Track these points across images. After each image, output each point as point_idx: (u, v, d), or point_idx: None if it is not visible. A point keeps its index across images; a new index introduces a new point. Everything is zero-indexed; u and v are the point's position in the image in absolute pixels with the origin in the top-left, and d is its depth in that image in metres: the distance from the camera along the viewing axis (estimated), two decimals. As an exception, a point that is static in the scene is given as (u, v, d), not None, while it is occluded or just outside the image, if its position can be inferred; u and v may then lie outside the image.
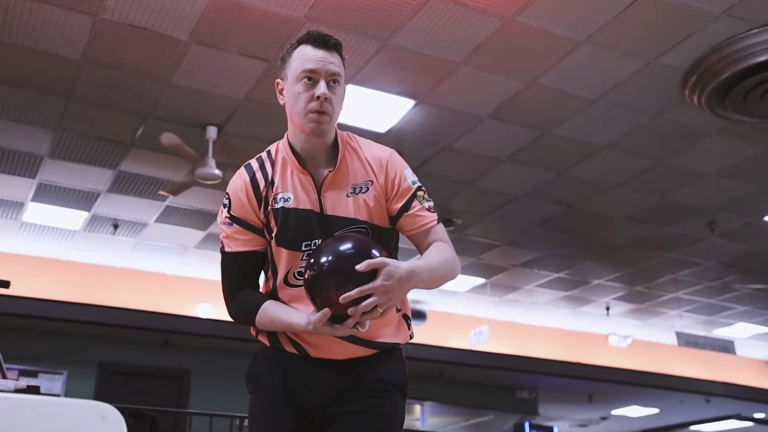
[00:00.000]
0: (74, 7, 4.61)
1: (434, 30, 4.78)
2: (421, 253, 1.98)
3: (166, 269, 9.41)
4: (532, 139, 6.14)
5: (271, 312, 1.93)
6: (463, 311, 10.98)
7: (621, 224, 7.82)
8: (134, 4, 4.59)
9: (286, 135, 2.07)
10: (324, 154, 1.99)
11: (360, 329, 1.76)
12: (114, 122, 5.97)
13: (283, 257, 1.95)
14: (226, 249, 2.05)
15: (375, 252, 1.76)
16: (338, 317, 1.74)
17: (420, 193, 2.01)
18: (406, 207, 1.98)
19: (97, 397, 8.61)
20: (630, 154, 6.35)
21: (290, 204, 1.95)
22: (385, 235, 2.00)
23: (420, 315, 10.51)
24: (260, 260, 2.03)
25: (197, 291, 9.53)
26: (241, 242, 2.01)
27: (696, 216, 7.56)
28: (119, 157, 6.52)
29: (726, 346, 10.18)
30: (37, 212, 7.77)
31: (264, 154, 2.08)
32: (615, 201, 7.24)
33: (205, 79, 5.40)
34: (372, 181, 1.98)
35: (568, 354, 11.15)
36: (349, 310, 1.71)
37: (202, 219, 7.90)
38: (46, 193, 7.30)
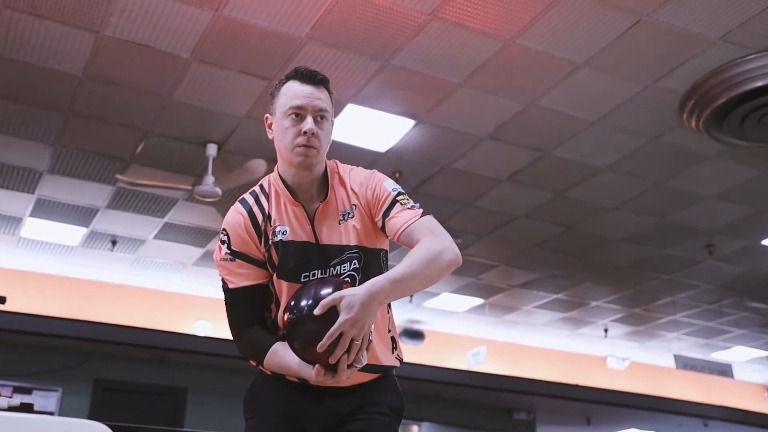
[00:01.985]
0: (77, 23, 4.63)
1: (435, 51, 4.80)
2: None
3: (164, 286, 9.39)
4: (531, 160, 6.16)
5: (281, 357, 1.91)
6: (461, 331, 10.95)
7: (619, 246, 7.83)
8: (136, 22, 4.62)
9: (276, 168, 2.08)
10: (314, 185, 2.02)
11: (358, 365, 1.76)
12: (114, 138, 5.98)
13: (284, 289, 1.96)
14: (230, 286, 2.03)
15: (326, 290, 1.75)
16: (331, 366, 1.74)
17: (401, 197, 2.00)
18: (387, 213, 1.98)
19: (92, 414, 8.56)
20: (628, 176, 6.36)
21: (288, 237, 1.97)
22: (377, 255, 2.02)
23: (418, 335, 10.49)
24: (265, 293, 2.02)
25: (195, 308, 9.51)
26: (244, 276, 2.00)
27: (694, 238, 7.57)
28: (119, 173, 6.53)
29: (724, 370, 10.16)
30: (36, 227, 7.76)
31: (257, 189, 2.09)
32: (613, 222, 7.25)
33: (205, 97, 5.42)
34: (356, 205, 2.01)
35: (566, 375, 11.11)
36: (330, 359, 1.71)
37: (200, 236, 7.90)
38: (45, 209, 7.30)
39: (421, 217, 1.95)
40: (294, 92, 2.02)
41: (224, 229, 2.02)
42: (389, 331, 2.03)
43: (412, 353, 9.75)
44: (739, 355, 11.53)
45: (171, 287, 9.43)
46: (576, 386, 10.66)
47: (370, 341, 1.77)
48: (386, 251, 2.08)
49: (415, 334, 10.54)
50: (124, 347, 8.62)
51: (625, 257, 8.13)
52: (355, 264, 1.99)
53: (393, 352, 2.03)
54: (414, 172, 6.29)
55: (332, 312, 1.69)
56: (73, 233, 7.87)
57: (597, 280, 8.83)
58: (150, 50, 4.88)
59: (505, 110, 5.48)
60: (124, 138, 5.98)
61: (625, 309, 9.84)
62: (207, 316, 9.45)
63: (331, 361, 1.71)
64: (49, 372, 8.63)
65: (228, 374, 9.40)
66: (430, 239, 1.89)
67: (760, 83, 4.83)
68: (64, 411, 8.52)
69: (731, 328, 10.38)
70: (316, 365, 1.75)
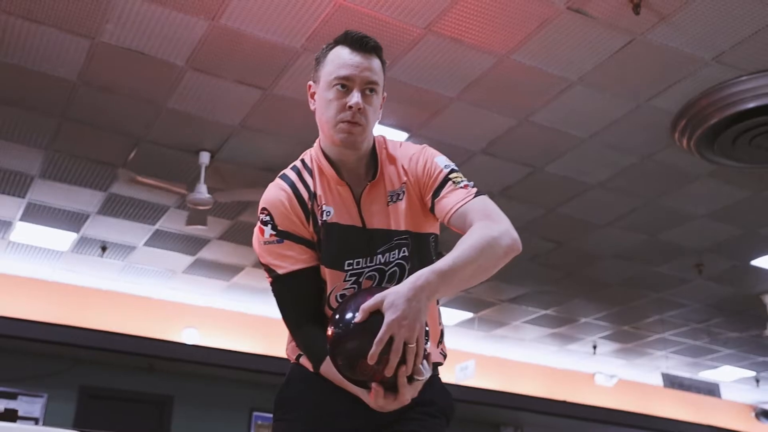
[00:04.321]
0: (72, 29, 4.63)
1: (430, 65, 4.82)
2: None
3: (153, 293, 9.35)
4: (523, 175, 6.18)
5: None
6: (449, 345, 10.73)
7: (609, 263, 7.85)
8: (132, 29, 4.62)
9: (317, 143, 1.87)
10: (361, 163, 1.81)
11: (420, 377, 1.54)
12: (107, 144, 5.98)
13: (327, 277, 1.77)
14: (280, 271, 1.77)
15: (365, 296, 1.56)
16: (389, 383, 1.53)
17: (454, 174, 1.78)
18: (438, 192, 1.76)
19: (77, 420, 8.50)
20: (620, 193, 6.39)
21: (332, 218, 1.77)
22: (427, 241, 1.83)
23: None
24: (320, 278, 1.78)
25: (183, 316, 9.47)
26: (295, 259, 1.76)
27: (684, 257, 7.59)
28: (110, 180, 6.52)
29: (711, 389, 10.17)
30: (25, 232, 7.73)
31: (298, 163, 1.87)
32: (604, 239, 7.27)
33: (199, 105, 5.42)
34: (405, 184, 1.80)
35: (554, 392, 11.10)
36: (386, 371, 1.49)
37: (191, 244, 7.88)
38: (35, 213, 7.28)
39: (474, 197, 1.73)
40: (341, 60, 1.77)
41: (264, 209, 1.79)
42: (440, 324, 1.87)
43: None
44: (726, 374, 11.56)
45: (160, 295, 9.39)
46: (564, 402, 10.66)
47: (427, 350, 1.55)
48: (436, 236, 1.87)
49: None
50: (112, 354, 8.57)
51: (614, 274, 8.15)
52: (404, 251, 1.78)
53: (438, 347, 1.86)
54: (406, 185, 6.30)
55: (378, 318, 1.49)
56: (62, 238, 7.84)
57: (586, 296, 8.85)
58: (145, 57, 4.88)
59: (499, 125, 5.50)
60: (117, 144, 5.97)
61: (613, 326, 9.86)
62: (195, 324, 9.41)
63: (388, 373, 1.49)
64: (35, 378, 8.57)
65: (215, 383, 9.37)
66: (484, 223, 1.66)
67: (751, 104, 4.87)
68: (48, 417, 8.46)
69: (719, 347, 10.41)
70: (373, 386, 1.52)
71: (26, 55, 4.90)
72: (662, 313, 9.24)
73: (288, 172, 1.85)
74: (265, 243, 1.78)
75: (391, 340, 1.47)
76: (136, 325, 8.99)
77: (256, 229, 1.81)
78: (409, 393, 1.53)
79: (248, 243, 7.74)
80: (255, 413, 9.65)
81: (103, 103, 5.42)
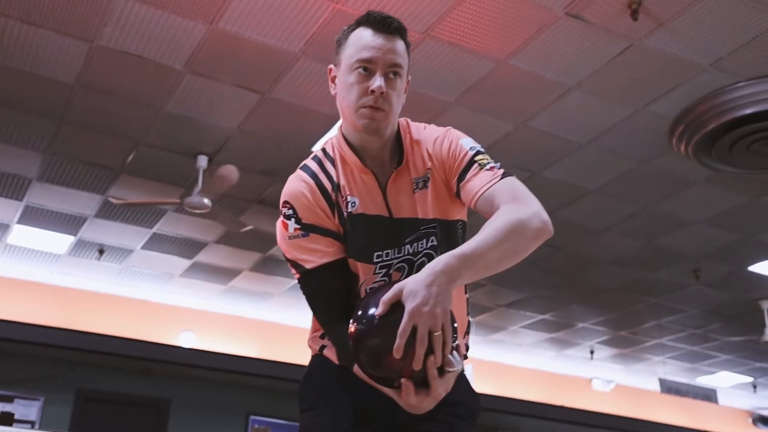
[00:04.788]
0: (71, 32, 4.63)
1: (428, 69, 4.83)
2: None
3: (150, 296, 9.34)
4: (521, 180, 6.14)
5: None
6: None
7: (607, 268, 7.85)
8: (131, 32, 4.63)
9: (339, 129, 1.78)
10: (385, 150, 1.73)
11: (451, 369, 1.47)
12: (105, 148, 5.97)
13: (356, 270, 1.71)
14: (308, 266, 1.69)
15: (386, 290, 1.48)
16: (419, 378, 1.45)
17: (480, 156, 1.70)
18: (463, 175, 1.68)
19: (73, 424, 8.49)
20: (617, 198, 6.39)
21: (357, 209, 1.69)
22: (454, 228, 1.76)
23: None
24: (349, 270, 1.71)
25: (180, 319, 9.47)
26: (323, 253, 1.69)
27: (681, 263, 7.60)
28: (108, 183, 6.51)
29: (708, 395, 10.18)
30: (23, 235, 7.72)
31: (320, 153, 1.78)
32: (602, 245, 7.27)
33: (198, 109, 5.42)
34: (429, 169, 1.73)
35: (551, 397, 11.10)
36: (414, 363, 1.41)
37: (188, 247, 7.87)
38: (33, 216, 7.27)
39: (501, 178, 1.65)
40: (363, 42, 1.68)
41: (286, 202, 1.72)
42: (467, 314, 1.81)
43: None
44: (723, 380, 11.56)
45: (157, 298, 9.39)
46: (561, 407, 10.66)
47: (455, 340, 1.47)
48: (464, 222, 1.79)
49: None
50: (109, 357, 8.57)
51: (612, 280, 8.15)
52: (432, 241, 1.71)
53: (464, 338, 1.77)
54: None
55: (400, 310, 1.42)
56: (60, 241, 7.84)
57: (584, 301, 8.85)
58: (143, 61, 4.88)
59: (496, 130, 5.50)
60: (115, 148, 5.97)
61: (611, 331, 9.86)
62: (192, 327, 9.40)
63: (416, 366, 1.41)
64: (32, 381, 8.56)
65: (212, 387, 9.37)
66: (512, 206, 1.57)
67: (749, 110, 4.88)
68: (45, 420, 8.44)
69: (716, 353, 10.41)
70: (403, 382, 1.45)
71: (24, 58, 4.90)
72: (660, 319, 9.24)
73: (309, 162, 1.76)
74: (289, 238, 1.71)
75: (415, 331, 1.40)
76: (133, 328, 8.99)
77: (278, 224, 1.75)
78: (441, 387, 1.46)
79: (245, 247, 7.77)
80: (252, 417, 9.65)
81: (102, 106, 5.42)
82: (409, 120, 1.80)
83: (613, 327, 9.68)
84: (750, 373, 11.31)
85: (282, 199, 1.74)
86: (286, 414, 9.78)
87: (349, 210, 1.69)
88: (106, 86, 5.20)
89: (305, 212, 1.69)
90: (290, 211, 1.71)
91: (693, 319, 9.19)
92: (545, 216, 1.57)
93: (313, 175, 1.72)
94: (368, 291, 1.64)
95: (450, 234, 1.73)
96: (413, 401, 1.46)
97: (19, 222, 7.42)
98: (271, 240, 7.52)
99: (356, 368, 1.58)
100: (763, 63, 4.63)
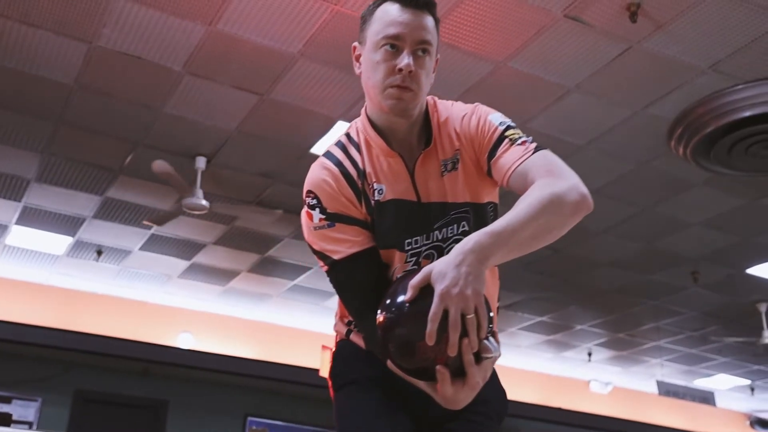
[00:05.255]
0: (70, 33, 4.63)
1: (426, 71, 4.83)
2: None
3: (149, 298, 9.34)
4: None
5: None
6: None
7: (605, 270, 7.85)
8: (129, 33, 4.62)
9: (363, 111, 1.69)
10: (413, 131, 1.64)
11: (488, 355, 1.38)
12: (103, 149, 5.97)
13: (387, 259, 1.63)
14: (336, 256, 1.60)
15: (413, 275, 1.40)
16: (454, 366, 1.36)
17: (510, 131, 1.61)
18: (494, 152, 1.58)
19: (71, 425, 8.49)
20: (616, 200, 6.39)
21: (385, 197, 1.61)
22: (485, 211, 1.66)
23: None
24: (380, 259, 1.62)
25: (179, 321, 9.46)
26: (351, 242, 1.60)
27: (679, 265, 7.60)
28: (107, 184, 6.51)
29: (706, 397, 10.17)
30: (21, 236, 7.71)
31: (343, 138, 1.70)
32: (600, 247, 7.27)
33: (196, 110, 5.42)
34: (458, 150, 1.63)
35: (549, 399, 11.10)
36: (448, 349, 1.32)
37: (186, 248, 7.87)
38: (31, 217, 7.26)
39: (534, 152, 1.55)
40: (390, 17, 1.58)
41: (310, 191, 1.63)
42: (497, 300, 1.74)
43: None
44: (721, 383, 11.56)
45: (156, 299, 9.38)
46: (559, 410, 10.66)
47: (491, 321, 1.38)
48: (495, 205, 1.69)
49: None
50: (107, 358, 8.58)
51: (610, 282, 8.15)
52: (463, 226, 1.62)
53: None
54: (403, 191, 6.29)
55: (429, 294, 1.34)
56: (58, 242, 7.83)
57: (582, 303, 8.85)
58: (142, 62, 4.88)
59: (495, 132, 5.50)
60: (114, 149, 5.97)
61: (609, 333, 9.86)
62: (191, 328, 9.39)
63: (451, 351, 1.32)
64: (30, 381, 8.55)
65: (210, 388, 9.37)
66: (547, 180, 1.47)
67: (747, 113, 4.88)
68: (43, 421, 8.44)
69: (714, 355, 10.42)
70: (438, 369, 1.35)
71: (23, 58, 4.90)
72: (658, 321, 9.24)
73: (332, 148, 1.68)
74: (315, 229, 1.61)
75: (447, 315, 1.31)
76: (132, 329, 8.99)
77: (303, 214, 1.66)
78: (478, 374, 1.36)
79: (244, 248, 7.77)
80: (249, 418, 9.65)
81: (100, 107, 5.41)
82: (436, 98, 1.71)
83: (611, 329, 9.68)
84: (748, 375, 11.31)
85: (305, 189, 1.65)
86: (283, 415, 9.79)
87: (377, 198, 1.61)
88: (105, 87, 5.19)
89: (330, 201, 1.60)
90: (314, 201, 1.62)
91: (691, 322, 9.19)
92: (584, 189, 1.48)
93: (338, 163, 1.64)
94: (397, 279, 1.54)
95: (481, 218, 1.63)
96: (449, 392, 1.36)
97: (17, 223, 7.42)
98: (270, 241, 7.52)
99: (389, 363, 1.49)
100: (761, 65, 4.64)
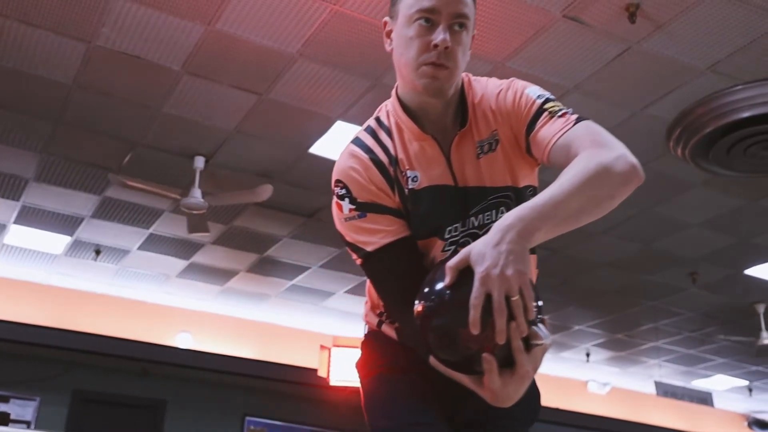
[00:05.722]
0: (68, 33, 4.63)
1: (425, 71, 4.83)
2: None
3: (147, 297, 9.33)
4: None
5: None
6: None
7: (604, 271, 7.85)
8: (128, 33, 4.62)
9: (394, 92, 1.60)
10: (448, 111, 1.55)
11: (539, 341, 1.26)
12: (102, 148, 5.97)
13: (424, 248, 1.54)
14: (370, 248, 1.50)
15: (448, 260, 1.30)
16: (501, 355, 1.25)
17: (550, 104, 1.49)
18: (532, 127, 1.48)
19: (70, 424, 8.48)
20: (614, 201, 6.39)
21: (420, 184, 1.52)
22: (524, 196, 1.57)
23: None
24: (417, 248, 1.52)
25: (177, 320, 9.46)
26: (384, 232, 1.50)
27: (678, 266, 7.60)
28: (105, 183, 6.50)
29: (704, 398, 10.18)
30: (19, 235, 7.71)
31: (373, 122, 1.60)
32: (599, 247, 7.27)
33: (195, 110, 5.42)
34: (495, 131, 1.53)
35: (547, 399, 10.93)
36: (497, 336, 1.20)
37: (185, 248, 7.86)
38: (29, 216, 7.26)
39: (576, 123, 1.45)
40: None
41: (338, 181, 1.53)
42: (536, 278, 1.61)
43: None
44: (719, 383, 11.57)
45: (154, 299, 9.38)
46: (557, 410, 10.65)
47: (539, 308, 1.27)
48: (534, 188, 1.61)
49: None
50: (105, 358, 8.57)
51: (609, 282, 8.15)
52: (502, 211, 1.52)
53: None
54: (401, 191, 6.30)
55: (469, 277, 1.23)
56: (56, 242, 7.82)
57: (580, 304, 8.85)
58: (141, 62, 4.88)
59: (494, 132, 5.50)
60: (112, 148, 5.96)
61: (607, 334, 9.86)
62: (189, 328, 9.39)
63: (499, 338, 1.20)
64: (28, 381, 8.55)
65: (208, 388, 9.36)
66: (592, 150, 1.36)
67: (746, 114, 4.88)
68: (41, 421, 8.44)
69: (712, 356, 10.42)
70: (485, 357, 1.23)
71: (22, 58, 4.89)
72: (656, 322, 9.24)
73: (361, 134, 1.58)
74: (345, 220, 1.52)
75: (491, 300, 1.20)
76: (130, 329, 8.98)
77: (333, 205, 1.56)
78: (528, 362, 1.24)
79: (242, 248, 7.76)
80: (248, 418, 9.64)
81: (99, 106, 5.41)
82: (470, 75, 1.62)
83: (610, 330, 9.68)
84: (746, 376, 11.32)
85: (333, 178, 1.55)
86: (282, 415, 9.78)
87: (411, 186, 1.51)
88: (104, 87, 5.19)
89: (360, 191, 1.51)
90: (343, 191, 1.52)
91: (689, 323, 9.20)
92: (632, 159, 1.35)
93: (367, 149, 1.54)
94: (434, 267, 1.42)
95: (520, 202, 1.47)
96: (497, 383, 1.24)
97: (15, 222, 7.41)
98: (269, 241, 7.52)
99: (432, 358, 1.39)
100: (760, 66, 4.64)
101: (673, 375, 11.22)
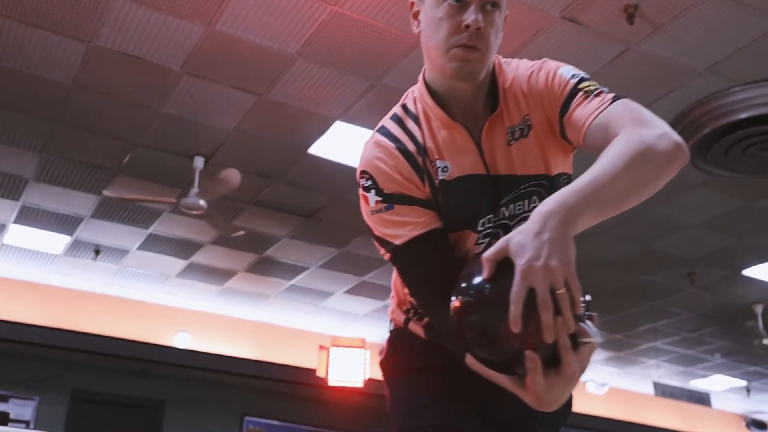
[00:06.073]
0: (68, 33, 4.64)
1: (424, 72, 4.84)
2: None
3: (146, 297, 9.34)
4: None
5: None
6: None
7: (602, 271, 7.86)
8: (128, 33, 4.63)
9: (421, 77, 1.53)
10: (479, 96, 1.47)
11: (587, 339, 1.17)
12: (101, 148, 5.97)
13: (455, 241, 1.46)
14: (398, 241, 1.42)
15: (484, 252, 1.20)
16: (546, 354, 1.14)
17: (585, 83, 1.42)
18: (566, 108, 1.40)
19: (69, 424, 8.49)
20: (613, 202, 6.40)
21: (450, 175, 1.44)
22: (557, 184, 1.48)
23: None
24: (448, 241, 1.44)
25: (176, 320, 9.46)
26: (414, 224, 1.42)
27: (676, 266, 7.61)
28: (105, 183, 6.51)
29: (702, 398, 10.19)
30: (19, 235, 7.71)
31: (399, 110, 1.53)
32: (597, 248, 7.28)
33: (194, 110, 5.42)
34: (527, 116, 1.46)
35: (546, 399, 11.08)
36: (544, 334, 1.10)
37: (184, 248, 7.87)
38: (29, 216, 7.26)
39: (613, 102, 1.37)
40: None
41: (364, 172, 1.46)
42: None
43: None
44: (717, 384, 11.58)
45: (153, 299, 9.38)
46: (555, 410, 10.65)
47: (586, 303, 1.19)
48: (569, 176, 1.52)
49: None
50: (104, 358, 8.57)
51: (607, 283, 8.16)
52: (534, 201, 1.45)
53: None
54: (400, 192, 6.31)
55: (508, 269, 1.13)
56: (56, 241, 7.83)
57: (579, 304, 8.85)
58: (141, 62, 4.89)
59: (493, 133, 5.51)
60: (112, 148, 5.97)
61: (605, 334, 9.86)
62: (188, 328, 9.40)
63: (547, 336, 1.10)
64: (27, 381, 8.55)
65: (207, 388, 9.36)
66: (633, 129, 1.27)
67: (744, 115, 4.89)
68: (40, 420, 8.44)
69: (710, 356, 10.43)
70: (528, 355, 1.13)
71: (21, 58, 4.90)
72: (654, 322, 9.25)
73: (387, 123, 1.51)
74: (372, 213, 1.45)
75: (534, 294, 1.10)
76: (129, 328, 8.99)
77: (360, 198, 1.49)
78: (576, 362, 1.14)
79: (241, 248, 7.77)
80: (246, 418, 9.65)
81: (98, 106, 5.42)
82: (501, 58, 1.54)
83: (608, 330, 9.69)
84: (744, 377, 11.33)
85: (359, 170, 1.48)
86: (280, 415, 9.79)
87: (441, 177, 1.43)
88: (103, 87, 5.20)
89: (386, 181, 1.43)
90: (369, 182, 1.44)
91: (687, 323, 9.21)
92: (676, 137, 1.28)
93: (394, 138, 1.47)
94: (470, 259, 1.38)
95: (554, 191, 1.37)
96: (541, 384, 1.14)
97: (15, 222, 7.42)
98: (268, 241, 7.53)
99: (469, 358, 1.30)
100: (758, 67, 4.66)
101: (671, 375, 11.23)
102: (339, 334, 9.17)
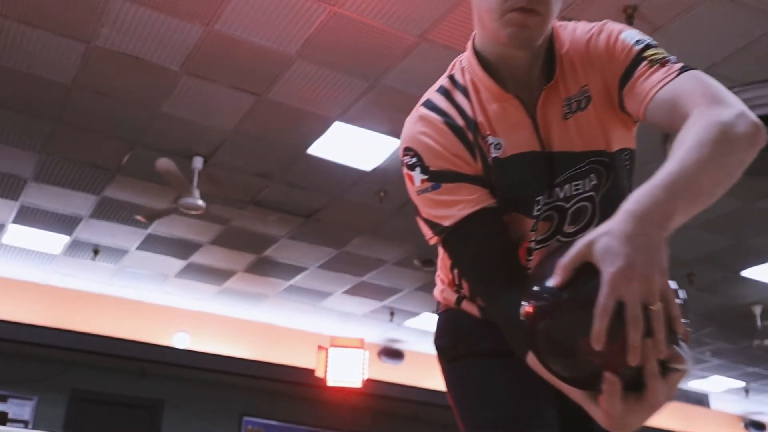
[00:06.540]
0: (68, 33, 4.64)
1: (423, 72, 4.83)
2: None
3: (145, 297, 9.34)
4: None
5: None
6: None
7: (601, 272, 7.86)
8: (127, 33, 4.63)
9: (470, 44, 1.40)
10: (536, 66, 1.33)
11: (680, 366, 0.98)
12: (100, 148, 5.98)
13: (510, 224, 1.33)
14: (447, 222, 1.28)
15: (561, 254, 1.04)
16: (628, 375, 0.97)
17: (650, 51, 1.26)
18: (627, 78, 1.25)
19: (67, 424, 8.49)
20: (612, 203, 6.41)
21: (504, 152, 1.31)
22: (618, 161, 1.35)
23: (398, 354, 10.47)
24: (502, 220, 1.30)
25: (175, 320, 9.47)
26: (464, 202, 1.28)
27: (675, 267, 7.53)
28: (104, 183, 6.51)
29: (700, 399, 10.20)
30: (18, 234, 7.71)
31: (446, 81, 1.41)
32: (596, 249, 7.28)
33: (194, 110, 5.43)
34: (586, 85, 1.31)
35: (544, 400, 11.09)
36: (630, 356, 0.93)
37: (183, 248, 7.87)
38: (28, 216, 7.27)
39: (680, 73, 1.21)
40: None
41: (408, 149, 1.33)
42: None
43: (390, 372, 9.72)
44: (716, 385, 11.59)
45: (152, 299, 9.38)
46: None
47: (681, 297, 1.04)
48: (631, 152, 1.39)
49: (394, 354, 10.53)
50: (103, 357, 8.58)
51: (606, 283, 8.16)
52: (593, 180, 1.33)
53: None
54: (399, 193, 6.30)
55: (590, 276, 0.97)
56: (55, 241, 7.83)
57: (578, 305, 8.86)
58: (140, 62, 4.89)
59: (492, 134, 5.51)
60: (111, 148, 5.97)
61: (605, 335, 9.87)
62: (187, 328, 9.40)
63: (632, 359, 0.93)
64: (26, 381, 8.55)
65: (206, 388, 9.37)
66: (705, 108, 1.11)
67: (743, 116, 4.90)
68: (38, 420, 8.44)
69: (709, 357, 10.44)
70: (607, 377, 0.96)
71: (21, 58, 4.90)
72: (653, 323, 9.25)
73: (433, 95, 1.39)
74: (418, 193, 1.32)
75: (622, 308, 0.94)
76: (128, 329, 8.99)
77: (405, 177, 1.36)
78: (662, 391, 0.97)
79: (240, 248, 7.77)
80: (245, 418, 9.65)
81: (98, 107, 5.42)
82: (556, 21, 1.39)
83: (607, 331, 9.69)
84: (742, 377, 11.34)
85: (402, 146, 1.36)
86: (279, 415, 9.79)
87: (494, 155, 1.31)
88: (103, 87, 5.20)
89: (433, 158, 1.30)
90: (413, 159, 1.31)
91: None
92: (753, 116, 1.12)
93: (441, 112, 1.34)
94: (543, 256, 1.21)
95: (615, 169, 1.33)
96: (617, 409, 0.98)
97: (14, 222, 7.42)
98: (266, 241, 7.53)
99: (531, 358, 1.16)
100: (757, 68, 4.66)
101: (670, 376, 11.23)
102: (338, 334, 9.19)
